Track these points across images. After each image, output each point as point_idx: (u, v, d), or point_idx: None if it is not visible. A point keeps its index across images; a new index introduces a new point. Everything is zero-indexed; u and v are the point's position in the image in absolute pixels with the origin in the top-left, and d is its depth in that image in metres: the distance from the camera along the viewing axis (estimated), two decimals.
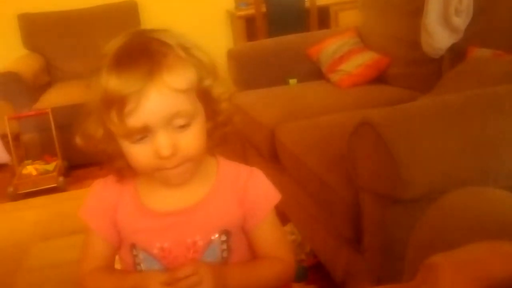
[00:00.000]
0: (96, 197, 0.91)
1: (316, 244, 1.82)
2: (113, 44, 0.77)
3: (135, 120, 0.73)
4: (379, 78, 2.46)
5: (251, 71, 2.70)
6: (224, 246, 0.87)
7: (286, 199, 2.09)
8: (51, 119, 2.94)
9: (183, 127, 0.76)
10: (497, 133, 1.21)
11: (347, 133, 1.32)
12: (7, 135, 2.95)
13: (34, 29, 3.72)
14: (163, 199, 0.87)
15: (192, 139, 0.78)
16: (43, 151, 3.06)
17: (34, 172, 2.89)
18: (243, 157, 2.76)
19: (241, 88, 2.69)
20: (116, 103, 0.72)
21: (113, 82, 0.72)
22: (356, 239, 1.43)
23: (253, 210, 0.89)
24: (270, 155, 2.09)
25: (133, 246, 0.88)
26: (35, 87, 3.25)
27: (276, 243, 0.93)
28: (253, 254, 0.93)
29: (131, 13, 3.85)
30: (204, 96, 0.80)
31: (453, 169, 1.19)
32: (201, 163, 0.85)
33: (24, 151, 3.14)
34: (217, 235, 0.86)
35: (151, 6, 3.97)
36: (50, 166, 2.93)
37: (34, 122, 3.07)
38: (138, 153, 0.77)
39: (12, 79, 3.06)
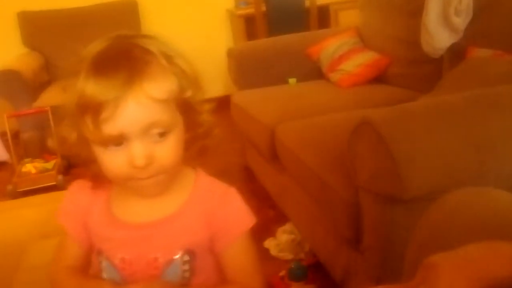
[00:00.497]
0: (71, 199, 0.90)
1: (316, 243, 1.82)
2: (93, 48, 0.75)
3: (110, 128, 0.71)
4: (379, 78, 2.46)
5: (251, 71, 2.70)
6: (186, 267, 0.84)
7: (285, 198, 2.10)
8: (51, 117, 2.94)
9: (160, 137, 0.74)
10: (497, 133, 1.21)
11: (347, 132, 1.32)
12: (7, 133, 2.95)
13: (34, 27, 3.72)
14: (133, 210, 0.85)
15: (168, 150, 0.76)
16: (42, 149, 3.06)
17: (33, 170, 2.89)
18: (243, 157, 2.76)
19: (241, 88, 2.70)
20: (92, 109, 0.70)
21: (90, 88, 0.70)
22: (355, 238, 1.43)
23: (222, 232, 0.85)
24: (270, 154, 2.10)
25: (99, 253, 0.87)
26: (34, 85, 3.24)
27: (244, 269, 0.88)
28: (220, 277, 0.89)
29: (131, 12, 3.85)
30: (184, 106, 0.77)
31: (453, 169, 1.19)
32: (177, 176, 0.83)
33: (23, 149, 3.14)
34: (179, 255, 0.83)
35: (151, 5, 3.97)
36: (49, 165, 2.93)
37: (33, 120, 3.07)
38: (112, 160, 0.75)
39: (11, 77, 3.06)
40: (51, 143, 0.86)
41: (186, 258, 0.84)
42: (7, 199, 2.80)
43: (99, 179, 0.83)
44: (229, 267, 0.88)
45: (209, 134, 0.84)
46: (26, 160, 3.01)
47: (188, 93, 0.77)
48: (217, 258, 0.88)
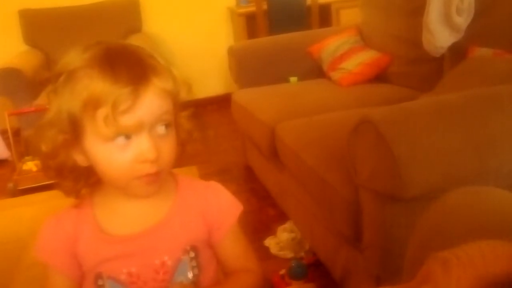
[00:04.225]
0: (50, 234, 0.87)
1: (316, 242, 1.82)
2: (86, 52, 0.75)
3: (129, 118, 0.72)
4: (380, 77, 2.46)
5: (252, 69, 2.70)
6: (194, 263, 0.85)
7: (286, 197, 2.10)
8: None
9: (163, 132, 0.76)
10: (497, 132, 1.21)
11: (347, 131, 1.32)
12: (7, 131, 2.95)
13: (35, 25, 3.72)
14: (124, 222, 0.84)
15: (170, 145, 0.78)
16: None
17: (34, 168, 2.88)
18: (243, 155, 2.76)
19: (242, 86, 2.70)
20: (110, 102, 0.71)
21: (107, 82, 0.71)
22: (355, 237, 1.44)
23: (217, 224, 0.88)
24: (270, 152, 2.10)
25: (98, 276, 0.84)
26: (35, 83, 3.24)
27: (244, 255, 0.92)
28: (222, 269, 0.92)
29: (132, 10, 3.85)
30: (175, 108, 0.80)
31: (453, 168, 1.19)
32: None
33: (24, 147, 3.14)
34: (185, 252, 0.84)
35: (152, 3, 3.97)
36: None
37: (34, 118, 3.06)
38: (117, 158, 0.75)
39: (12, 75, 3.07)
40: (44, 147, 0.82)
41: (192, 254, 0.85)
42: (7, 197, 2.80)
43: (81, 192, 0.83)
44: (229, 256, 0.91)
45: (190, 138, 0.85)
46: (27, 158, 3.01)
47: (182, 95, 0.80)
48: (214, 250, 0.90)
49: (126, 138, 0.74)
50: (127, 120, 0.72)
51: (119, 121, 0.72)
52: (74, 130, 0.76)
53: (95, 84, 0.72)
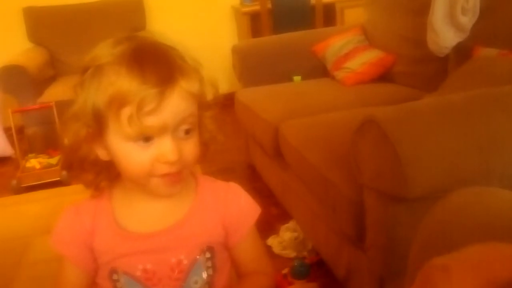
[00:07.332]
0: (68, 225, 0.86)
1: (319, 241, 1.82)
2: (115, 46, 0.75)
3: (154, 119, 0.72)
4: (384, 76, 2.46)
5: (256, 68, 2.70)
6: (209, 264, 0.86)
7: (289, 196, 2.10)
8: (55, 112, 2.95)
9: (185, 134, 0.76)
10: (502, 132, 1.21)
11: (351, 130, 1.32)
12: (11, 128, 2.96)
13: (39, 23, 3.73)
14: (143, 220, 0.84)
15: (192, 146, 0.78)
16: (46, 145, 3.07)
17: (38, 166, 2.89)
18: (246, 154, 2.76)
19: (246, 85, 2.69)
20: (136, 102, 0.70)
21: (135, 82, 0.71)
22: (358, 237, 1.43)
23: (235, 226, 0.88)
24: (274, 151, 2.09)
25: (113, 271, 0.84)
26: (39, 80, 3.25)
27: (259, 257, 0.93)
28: (236, 271, 0.93)
29: (137, 8, 3.86)
30: (200, 109, 0.80)
31: (457, 168, 1.19)
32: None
33: (27, 145, 3.15)
34: (202, 253, 0.85)
35: (156, 1, 3.97)
36: (54, 160, 2.94)
37: (38, 115, 3.08)
38: (138, 156, 0.75)
39: (16, 72, 3.07)
40: (66, 141, 0.85)
41: (208, 255, 0.85)
42: (11, 194, 2.81)
43: (101, 184, 0.84)
44: (245, 258, 0.91)
45: (213, 140, 0.86)
46: (31, 155, 3.02)
47: (208, 96, 0.81)
48: (230, 252, 0.90)
49: (149, 140, 0.74)
50: (151, 121, 0.72)
51: (143, 122, 0.71)
52: (98, 125, 0.76)
53: (121, 82, 0.72)
